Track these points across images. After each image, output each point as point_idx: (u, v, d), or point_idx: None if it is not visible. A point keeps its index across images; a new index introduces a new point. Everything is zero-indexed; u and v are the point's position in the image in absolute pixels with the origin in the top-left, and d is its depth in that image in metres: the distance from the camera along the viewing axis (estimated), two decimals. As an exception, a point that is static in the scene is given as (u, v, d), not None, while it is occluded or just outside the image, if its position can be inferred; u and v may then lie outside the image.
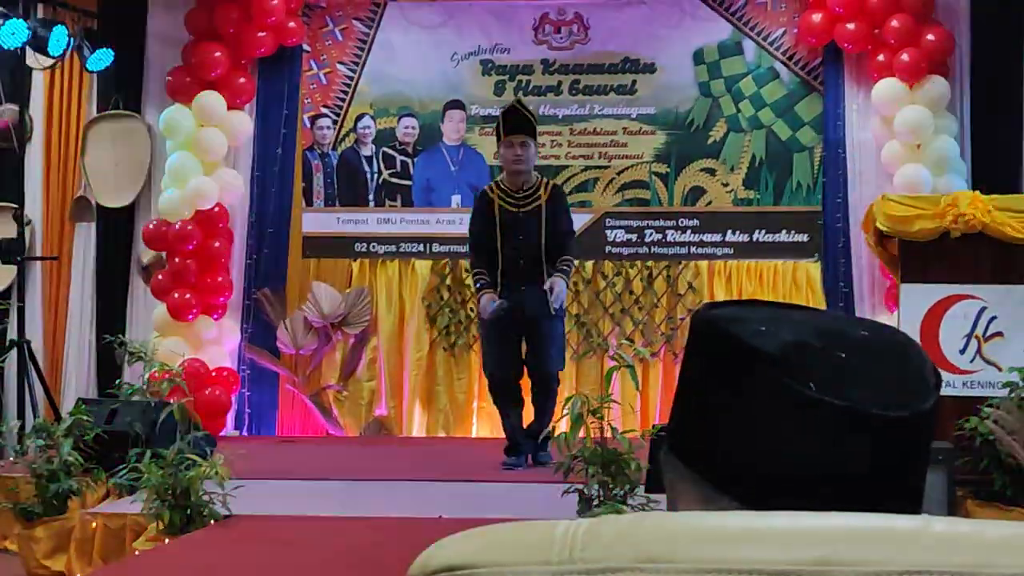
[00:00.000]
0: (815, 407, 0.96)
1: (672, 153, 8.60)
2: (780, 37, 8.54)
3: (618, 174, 8.64)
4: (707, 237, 8.52)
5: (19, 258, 7.66)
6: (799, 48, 8.51)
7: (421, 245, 8.69)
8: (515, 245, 6.70)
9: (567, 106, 8.68)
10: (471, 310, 8.43)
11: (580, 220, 7.78)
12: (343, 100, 8.80)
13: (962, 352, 5.89)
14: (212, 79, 8.38)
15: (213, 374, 8.17)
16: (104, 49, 8.14)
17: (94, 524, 5.43)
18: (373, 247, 8.72)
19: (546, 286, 6.57)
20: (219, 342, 8.46)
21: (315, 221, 8.78)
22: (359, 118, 8.79)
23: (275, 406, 8.70)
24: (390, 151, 8.77)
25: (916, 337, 5.28)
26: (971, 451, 5.29)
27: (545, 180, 6.99)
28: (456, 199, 8.70)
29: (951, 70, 8.13)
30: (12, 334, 7.66)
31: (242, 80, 8.53)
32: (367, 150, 8.79)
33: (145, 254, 8.53)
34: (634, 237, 8.57)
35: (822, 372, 0.97)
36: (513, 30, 8.73)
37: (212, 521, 5.09)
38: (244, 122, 8.58)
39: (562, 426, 5.52)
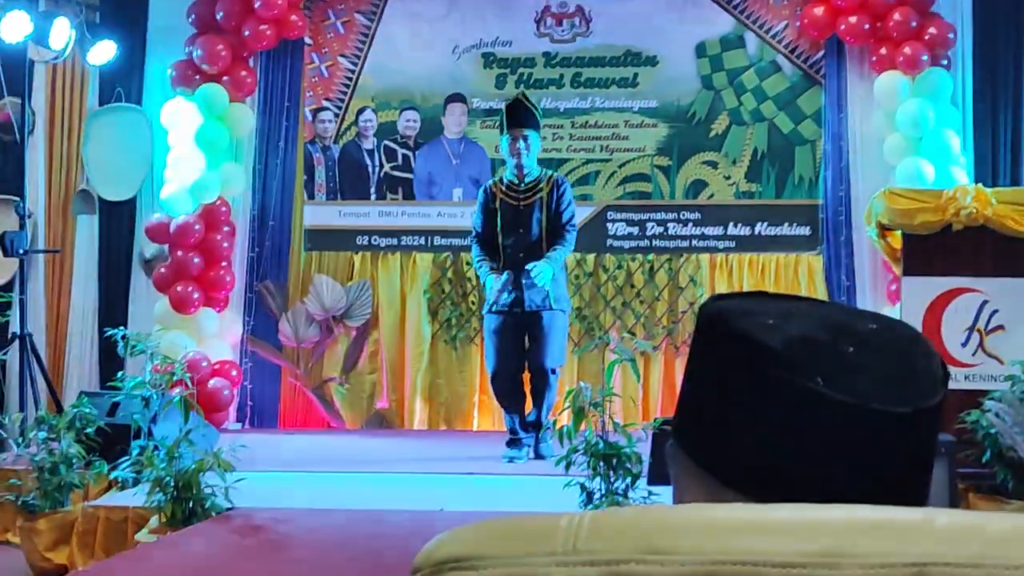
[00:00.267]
0: (822, 401, 0.96)
1: (674, 146, 8.60)
2: (782, 30, 8.53)
3: (620, 167, 8.63)
4: (709, 230, 8.52)
5: (21, 251, 7.67)
6: (801, 41, 8.50)
7: (423, 238, 8.69)
8: (516, 238, 6.72)
9: (569, 99, 8.67)
10: (472, 303, 8.44)
11: (582, 213, 7.77)
12: (345, 93, 8.80)
13: (964, 345, 5.89)
14: (214, 72, 8.37)
15: (215, 367, 8.18)
16: (106, 42, 8.14)
17: (96, 517, 5.43)
18: (375, 240, 8.72)
19: (527, 266, 6.57)
20: (221, 335, 8.46)
21: (317, 214, 8.78)
22: (361, 111, 8.79)
23: (277, 399, 8.71)
24: (392, 144, 8.76)
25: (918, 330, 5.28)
26: (973, 444, 5.29)
27: (549, 174, 6.99)
28: (457, 192, 8.69)
29: (953, 63, 8.13)
30: (14, 327, 7.66)
31: (244, 73, 8.53)
32: (369, 143, 8.79)
33: (147, 247, 8.53)
34: (636, 230, 8.57)
35: (830, 366, 0.97)
36: (515, 23, 8.72)
37: (214, 514, 5.10)
38: (246, 115, 8.57)
39: (564, 419, 5.53)
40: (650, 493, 4.87)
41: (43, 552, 5.50)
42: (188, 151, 8.30)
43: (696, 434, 1.05)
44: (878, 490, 0.97)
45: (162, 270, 8.27)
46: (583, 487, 4.91)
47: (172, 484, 5.04)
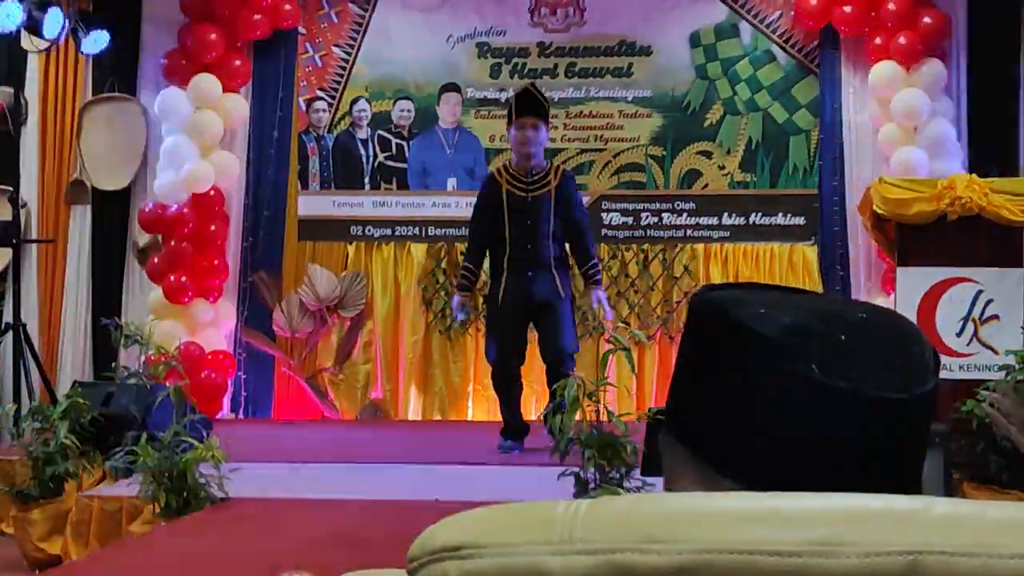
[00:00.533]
0: (815, 389, 0.96)
1: (668, 136, 8.59)
2: (777, 20, 8.52)
3: (614, 157, 8.63)
4: (703, 220, 8.52)
5: (15, 241, 7.66)
6: (796, 31, 8.50)
7: (417, 228, 8.68)
8: (524, 229, 6.62)
9: (563, 89, 8.66)
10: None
11: (576, 203, 7.76)
12: (339, 83, 8.78)
13: (958, 335, 5.90)
14: (208, 62, 8.36)
15: (209, 357, 8.18)
16: (99, 31, 8.12)
17: (90, 507, 5.43)
18: (369, 230, 8.71)
19: (594, 305, 6.79)
20: (215, 325, 8.46)
21: (311, 204, 8.77)
22: (355, 101, 8.77)
23: (271, 389, 8.71)
24: (386, 134, 8.75)
25: (912, 320, 5.29)
26: (967, 434, 5.29)
27: (556, 165, 6.97)
28: (452, 182, 8.69)
29: (948, 53, 8.13)
30: (8, 317, 7.65)
31: (238, 63, 8.52)
32: (363, 133, 8.77)
33: (141, 237, 8.52)
34: (630, 220, 8.57)
35: (823, 354, 0.97)
36: (509, 12, 8.71)
37: (208, 504, 5.10)
38: (240, 105, 8.57)
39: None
40: (644, 483, 4.87)
41: (37, 542, 5.50)
42: (182, 141, 8.29)
43: (690, 423, 1.05)
44: (873, 476, 0.97)
45: (156, 260, 8.26)
46: (578, 477, 4.91)
47: (166, 474, 5.03)
